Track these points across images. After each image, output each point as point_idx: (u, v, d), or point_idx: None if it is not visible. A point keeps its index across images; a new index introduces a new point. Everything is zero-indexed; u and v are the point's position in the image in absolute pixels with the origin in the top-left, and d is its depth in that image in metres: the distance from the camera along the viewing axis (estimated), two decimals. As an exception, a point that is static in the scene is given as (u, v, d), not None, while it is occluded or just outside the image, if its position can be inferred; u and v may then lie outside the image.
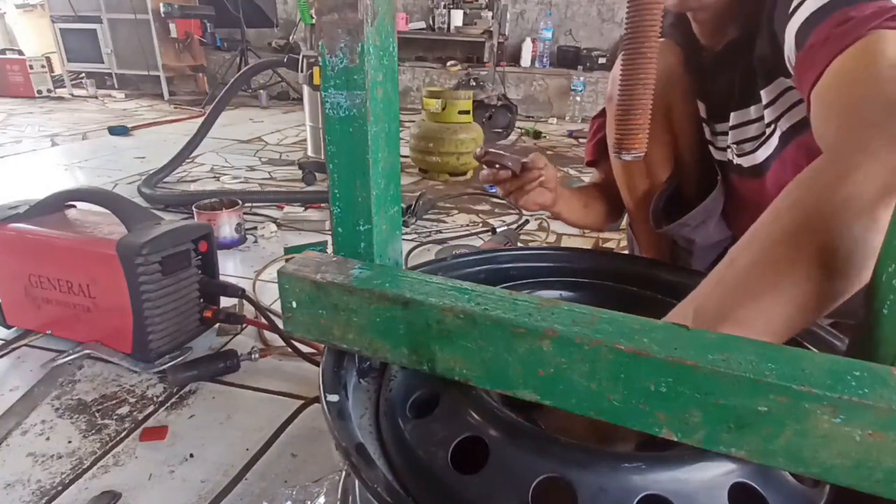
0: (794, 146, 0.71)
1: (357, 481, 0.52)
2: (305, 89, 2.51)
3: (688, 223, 0.88)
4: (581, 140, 3.47)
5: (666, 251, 0.98)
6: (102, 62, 4.78)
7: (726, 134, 0.82)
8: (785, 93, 0.70)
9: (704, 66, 0.82)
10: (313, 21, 2.73)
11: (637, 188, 0.95)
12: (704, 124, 0.88)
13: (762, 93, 0.72)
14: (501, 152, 0.85)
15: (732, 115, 0.79)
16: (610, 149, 0.95)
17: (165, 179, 2.17)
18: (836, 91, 0.49)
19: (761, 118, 0.75)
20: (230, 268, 1.44)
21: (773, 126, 0.73)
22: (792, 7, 0.58)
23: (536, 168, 0.85)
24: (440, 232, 1.75)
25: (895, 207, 0.37)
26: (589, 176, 1.15)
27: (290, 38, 4.82)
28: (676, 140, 0.90)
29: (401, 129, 0.53)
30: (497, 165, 0.85)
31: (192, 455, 0.79)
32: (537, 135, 3.56)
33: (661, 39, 0.86)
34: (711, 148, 0.89)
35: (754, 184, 0.80)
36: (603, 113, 0.98)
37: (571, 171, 2.62)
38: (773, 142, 0.73)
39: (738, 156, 0.81)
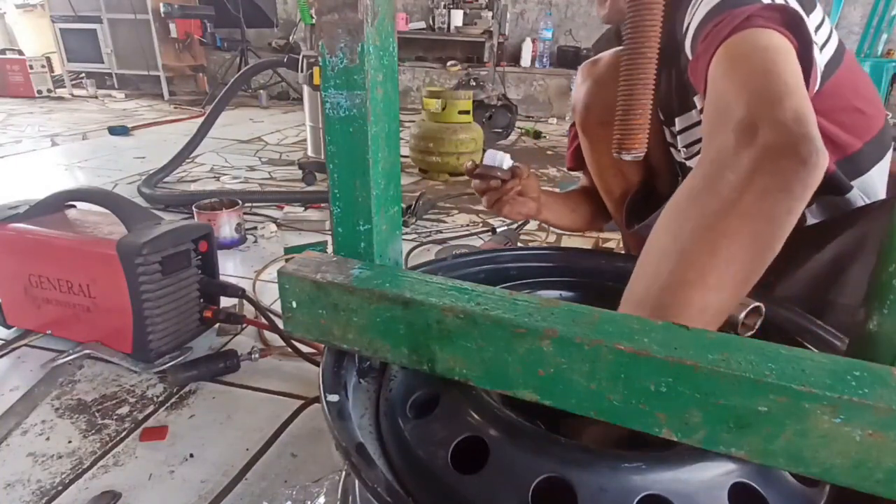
0: None
1: (357, 481, 0.52)
2: (305, 89, 2.51)
3: (653, 224, 0.89)
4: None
5: None
6: (102, 62, 4.78)
7: (677, 137, 0.83)
8: None
9: None
10: (313, 21, 2.73)
11: (613, 192, 0.97)
12: (664, 127, 0.89)
13: (695, 99, 0.74)
14: (490, 165, 0.88)
15: (677, 119, 0.80)
16: (585, 153, 0.97)
17: (165, 179, 2.16)
18: (707, 99, 0.54)
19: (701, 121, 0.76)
20: (230, 268, 1.44)
21: None
22: (685, 26, 0.62)
23: (515, 179, 0.88)
24: (440, 232, 1.75)
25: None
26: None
27: (290, 38, 4.82)
28: None
29: (401, 129, 0.53)
30: (485, 177, 0.88)
31: (192, 455, 0.79)
32: (537, 135, 3.56)
33: (619, 48, 0.89)
34: (672, 150, 0.90)
35: None
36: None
37: (572, 172, 2.62)
38: None
39: (687, 158, 0.82)
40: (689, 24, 0.61)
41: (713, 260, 0.44)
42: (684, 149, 0.82)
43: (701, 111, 0.74)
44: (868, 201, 0.71)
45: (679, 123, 0.81)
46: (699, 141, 0.79)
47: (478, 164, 0.89)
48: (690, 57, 0.60)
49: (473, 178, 0.90)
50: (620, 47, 0.87)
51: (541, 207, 0.94)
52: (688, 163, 0.83)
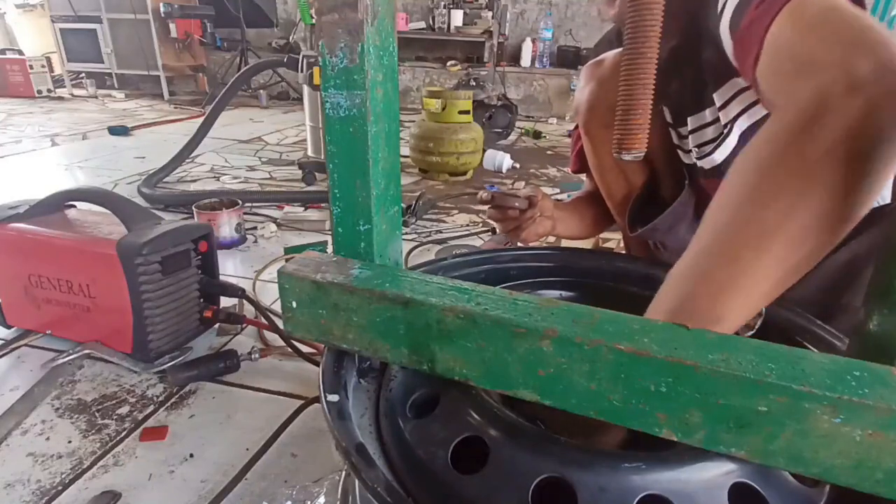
0: None
1: (357, 481, 0.52)
2: (305, 89, 2.51)
3: (658, 227, 0.89)
4: (581, 140, 3.47)
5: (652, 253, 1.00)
6: (102, 62, 4.78)
7: (688, 137, 0.83)
8: (740, 93, 0.71)
9: (660, 72, 0.84)
10: (313, 21, 2.73)
11: (615, 194, 0.97)
12: (671, 129, 0.88)
13: (714, 96, 0.73)
14: (506, 194, 0.88)
15: (689, 119, 0.80)
16: (588, 155, 0.97)
17: (165, 179, 2.16)
18: (772, 61, 0.50)
19: (717, 120, 0.76)
20: (230, 268, 1.44)
21: (729, 126, 0.74)
22: (720, 7, 0.60)
23: (532, 205, 0.89)
24: (440, 232, 1.75)
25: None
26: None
27: (290, 38, 4.82)
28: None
29: (401, 129, 0.53)
30: (502, 208, 0.88)
31: (192, 455, 0.79)
32: (537, 135, 3.56)
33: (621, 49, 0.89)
34: (680, 152, 0.90)
35: (719, 184, 0.81)
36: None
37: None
38: (732, 142, 0.74)
39: (699, 158, 0.82)
40: (721, 8, 0.59)
41: (757, 262, 0.40)
42: (696, 148, 0.82)
43: (720, 108, 0.73)
44: (880, 203, 0.70)
45: (691, 123, 0.80)
46: (711, 141, 0.78)
47: (493, 194, 0.88)
48: (730, 34, 0.58)
49: (490, 209, 0.90)
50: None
51: (555, 224, 0.95)
52: (699, 163, 0.83)
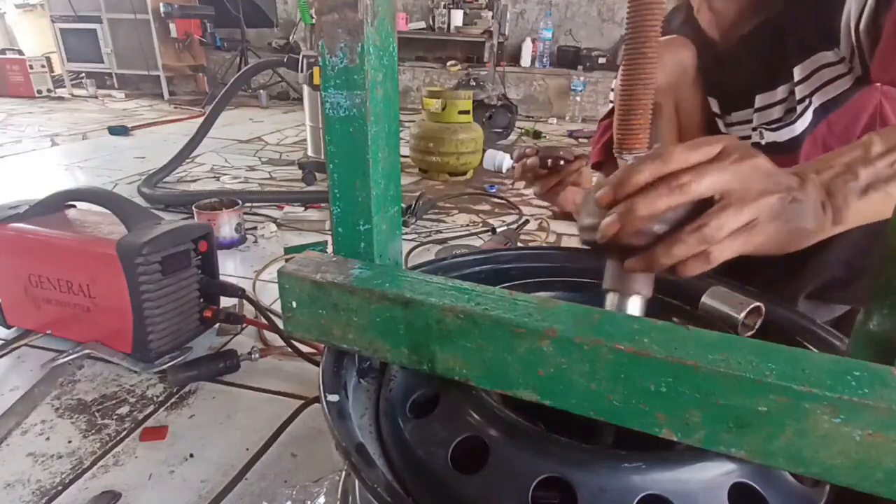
0: (824, 125, 0.74)
1: (357, 481, 0.52)
2: (305, 89, 2.51)
3: None
4: (581, 140, 3.47)
5: None
6: (102, 62, 4.78)
7: (749, 121, 0.82)
8: (820, 69, 0.72)
9: (719, 59, 0.83)
10: (313, 21, 2.73)
11: None
12: (717, 119, 0.88)
13: (795, 70, 0.73)
14: (552, 147, 0.85)
15: (758, 97, 0.80)
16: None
17: (165, 179, 2.17)
18: None
19: (787, 98, 0.76)
20: (230, 268, 1.44)
21: (807, 101, 0.74)
22: None
23: (580, 159, 0.86)
24: (440, 232, 1.75)
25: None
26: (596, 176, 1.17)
27: (290, 38, 4.82)
28: (682, 136, 0.91)
29: (401, 129, 0.53)
30: (549, 160, 0.85)
31: (192, 455, 0.79)
32: (537, 135, 3.56)
33: (674, 36, 0.87)
34: None
35: (785, 161, 0.80)
36: (611, 113, 0.98)
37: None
38: (808, 116, 0.75)
39: (771, 131, 0.81)
40: None
41: None
42: (764, 125, 0.81)
43: (798, 82, 0.73)
44: None
45: (759, 101, 0.80)
46: (778, 120, 0.78)
47: (538, 148, 0.85)
48: (876, 3, 0.59)
49: (531, 159, 0.86)
50: (675, 36, 0.86)
51: None
52: (767, 137, 0.81)
